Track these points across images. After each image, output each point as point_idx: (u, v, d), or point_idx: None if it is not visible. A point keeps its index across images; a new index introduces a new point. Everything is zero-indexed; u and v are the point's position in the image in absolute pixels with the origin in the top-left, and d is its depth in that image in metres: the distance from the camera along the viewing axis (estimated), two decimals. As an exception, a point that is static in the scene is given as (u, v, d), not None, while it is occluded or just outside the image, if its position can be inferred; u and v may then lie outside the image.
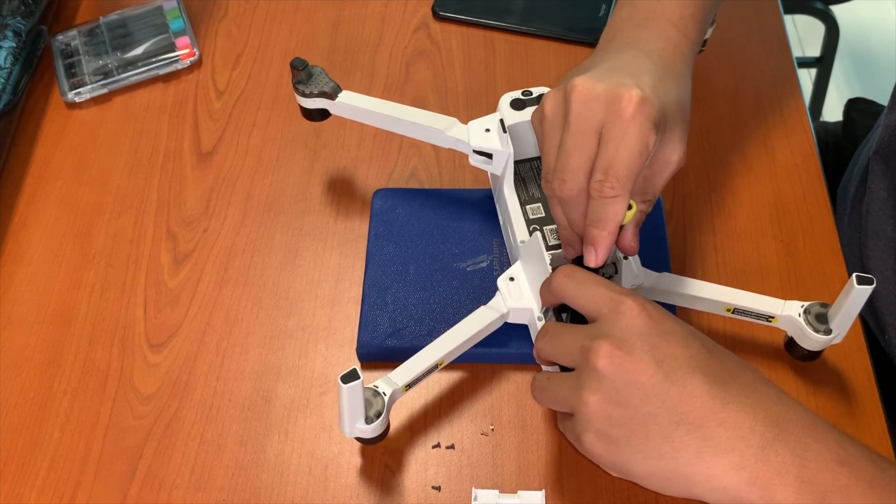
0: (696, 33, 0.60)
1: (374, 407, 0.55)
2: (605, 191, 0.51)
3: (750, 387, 0.48)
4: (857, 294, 0.55)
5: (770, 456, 0.46)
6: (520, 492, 0.56)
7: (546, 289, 0.55)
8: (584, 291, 0.52)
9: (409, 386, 0.57)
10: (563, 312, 0.57)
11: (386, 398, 0.55)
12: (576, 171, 0.53)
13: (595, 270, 0.57)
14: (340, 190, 0.73)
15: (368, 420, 0.55)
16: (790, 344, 0.61)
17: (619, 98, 0.52)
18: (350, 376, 0.51)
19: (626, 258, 0.58)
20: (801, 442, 0.46)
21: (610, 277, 0.58)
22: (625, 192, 0.51)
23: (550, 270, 0.56)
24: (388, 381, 0.56)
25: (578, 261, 0.57)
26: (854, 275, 0.54)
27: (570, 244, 0.57)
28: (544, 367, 0.56)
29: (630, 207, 0.52)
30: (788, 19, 0.85)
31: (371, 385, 0.56)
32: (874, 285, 0.54)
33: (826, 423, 0.48)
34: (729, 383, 0.48)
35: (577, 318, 0.53)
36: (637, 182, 0.53)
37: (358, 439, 0.58)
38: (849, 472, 0.46)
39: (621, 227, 0.53)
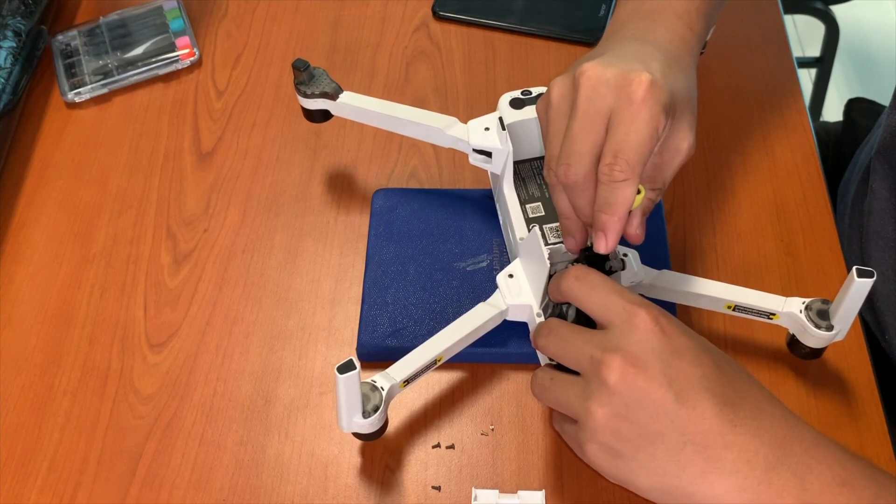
0: (701, 27, 0.60)
1: (372, 401, 0.55)
2: (614, 174, 0.50)
3: (757, 408, 0.48)
4: (857, 287, 0.54)
5: (772, 479, 0.46)
6: (520, 492, 0.56)
7: (555, 288, 0.54)
8: (595, 297, 0.51)
9: (407, 382, 0.57)
10: (562, 304, 0.57)
11: (384, 393, 0.55)
12: (581, 155, 0.52)
13: (602, 265, 0.56)
14: (340, 190, 0.73)
15: (366, 414, 0.54)
16: (792, 342, 0.61)
17: (630, 82, 0.51)
18: (346, 367, 0.51)
19: (626, 255, 0.58)
20: (804, 464, 0.46)
21: (617, 272, 0.58)
22: (634, 176, 0.50)
23: (549, 266, 0.56)
24: (386, 377, 0.56)
25: (585, 255, 0.57)
26: (854, 268, 0.54)
27: (572, 234, 0.56)
28: (541, 358, 0.56)
29: (639, 192, 0.51)
30: (788, 19, 0.85)
31: (369, 380, 0.56)
32: (874, 278, 0.54)
33: (830, 441, 0.48)
34: (738, 405, 0.48)
35: (581, 313, 0.53)
36: (647, 170, 0.52)
37: (356, 435, 0.58)
38: (850, 492, 0.46)
39: (628, 214, 0.53)
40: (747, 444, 0.47)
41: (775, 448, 0.47)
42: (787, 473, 0.46)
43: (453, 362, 0.60)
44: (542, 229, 0.61)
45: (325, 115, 0.70)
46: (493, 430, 0.61)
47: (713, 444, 0.47)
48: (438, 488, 0.59)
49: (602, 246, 0.52)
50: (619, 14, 0.61)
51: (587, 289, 0.52)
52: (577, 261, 0.58)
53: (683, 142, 0.55)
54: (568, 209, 0.55)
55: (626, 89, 0.51)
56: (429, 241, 0.67)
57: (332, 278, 0.68)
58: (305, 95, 0.68)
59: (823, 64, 1.68)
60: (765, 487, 0.46)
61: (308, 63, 0.67)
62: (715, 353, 0.50)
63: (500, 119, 0.63)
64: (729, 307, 0.60)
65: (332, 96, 0.68)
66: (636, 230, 0.54)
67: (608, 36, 0.59)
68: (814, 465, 0.46)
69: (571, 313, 0.57)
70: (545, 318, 0.58)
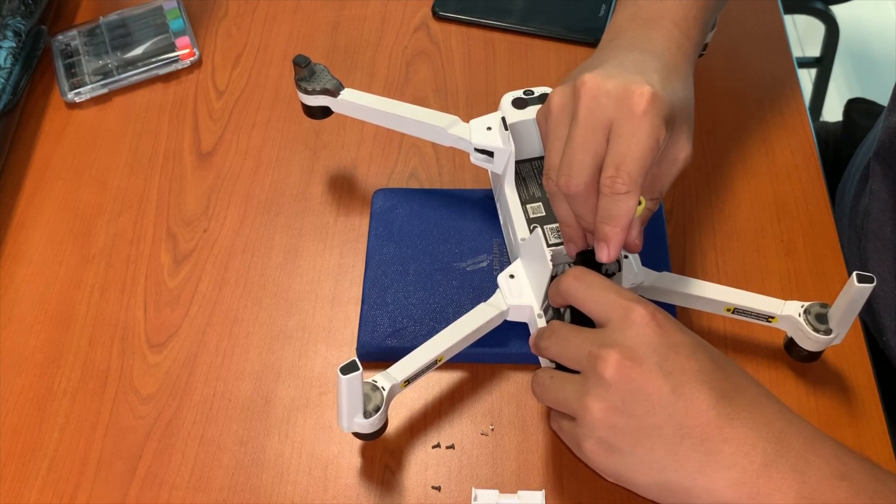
0: (698, 35, 0.60)
1: (373, 401, 0.55)
2: (616, 186, 0.51)
3: (754, 402, 0.48)
4: (857, 292, 0.55)
5: (771, 472, 0.46)
6: (520, 492, 0.56)
7: (555, 290, 0.55)
8: (593, 296, 0.51)
9: (408, 382, 0.57)
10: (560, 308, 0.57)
11: (385, 393, 0.55)
12: (582, 166, 0.52)
13: (598, 267, 0.57)
14: (340, 190, 0.73)
15: (367, 414, 0.55)
16: (790, 345, 0.61)
17: (631, 94, 0.52)
18: (349, 367, 0.51)
19: (626, 257, 0.58)
20: (802, 457, 0.46)
21: (613, 274, 0.58)
22: (636, 188, 0.51)
23: (551, 267, 0.56)
24: (386, 376, 0.56)
25: (582, 257, 0.57)
26: (854, 273, 0.54)
27: (573, 241, 0.57)
28: (542, 362, 0.56)
29: (639, 203, 0.52)
30: (788, 19, 0.85)
31: (370, 380, 0.56)
32: (874, 284, 0.54)
33: (827, 437, 0.48)
34: (735, 398, 0.48)
35: (577, 315, 0.53)
36: (645, 180, 0.53)
37: (356, 435, 0.58)
38: (849, 486, 0.46)
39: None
40: (745, 438, 0.47)
41: (773, 442, 0.47)
42: (786, 467, 0.46)
43: (453, 362, 0.60)
44: (543, 230, 0.61)
45: (325, 112, 0.70)
46: (492, 430, 0.61)
47: (711, 437, 0.47)
48: (438, 488, 0.59)
49: (604, 256, 0.53)
50: (617, 20, 0.61)
51: (585, 288, 0.52)
52: (574, 263, 0.58)
53: (681, 152, 0.56)
54: (569, 217, 0.56)
55: (627, 101, 0.52)
56: (429, 241, 0.67)
57: (332, 278, 0.68)
58: (306, 92, 0.68)
59: (823, 64, 1.68)
60: (763, 481, 0.46)
61: (309, 59, 0.67)
62: (711, 350, 0.50)
63: (503, 119, 0.63)
64: (728, 310, 0.60)
65: (333, 93, 0.67)
66: (635, 239, 0.55)
67: (605, 43, 0.60)
68: (812, 459, 0.46)
69: (567, 316, 0.57)
70: (546, 320, 0.58)
